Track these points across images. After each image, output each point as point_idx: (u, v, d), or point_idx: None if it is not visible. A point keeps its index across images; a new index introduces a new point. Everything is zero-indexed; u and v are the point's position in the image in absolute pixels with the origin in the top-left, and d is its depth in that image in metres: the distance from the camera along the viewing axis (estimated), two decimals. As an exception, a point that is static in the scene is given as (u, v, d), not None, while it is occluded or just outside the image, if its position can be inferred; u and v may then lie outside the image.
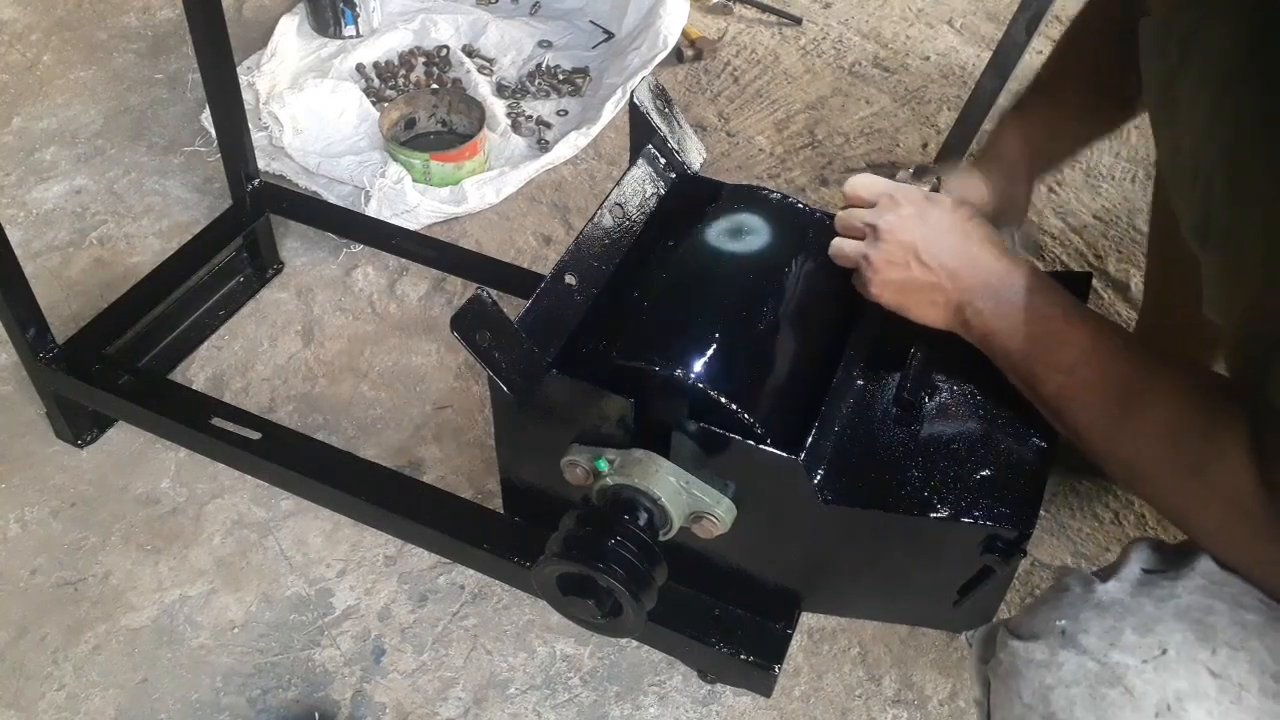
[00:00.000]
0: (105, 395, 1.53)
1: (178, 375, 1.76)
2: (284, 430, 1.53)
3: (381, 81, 2.33)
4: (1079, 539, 1.57)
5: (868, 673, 1.44)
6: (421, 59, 2.38)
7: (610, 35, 2.49)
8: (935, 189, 1.13)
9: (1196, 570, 0.86)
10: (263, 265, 1.92)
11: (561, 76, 2.37)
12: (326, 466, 1.45)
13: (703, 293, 1.15)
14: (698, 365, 1.06)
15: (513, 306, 1.08)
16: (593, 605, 1.10)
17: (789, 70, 2.45)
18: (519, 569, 1.31)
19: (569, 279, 1.16)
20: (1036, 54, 1.92)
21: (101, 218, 2.05)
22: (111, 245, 1.99)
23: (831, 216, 1.17)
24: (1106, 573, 0.90)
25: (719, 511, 1.07)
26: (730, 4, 2.61)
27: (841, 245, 1.11)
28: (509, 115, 2.25)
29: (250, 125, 1.83)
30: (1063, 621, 0.86)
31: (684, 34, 2.41)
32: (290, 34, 2.38)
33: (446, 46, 2.40)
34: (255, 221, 1.84)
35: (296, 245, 1.98)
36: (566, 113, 2.30)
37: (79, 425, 1.65)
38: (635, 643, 1.44)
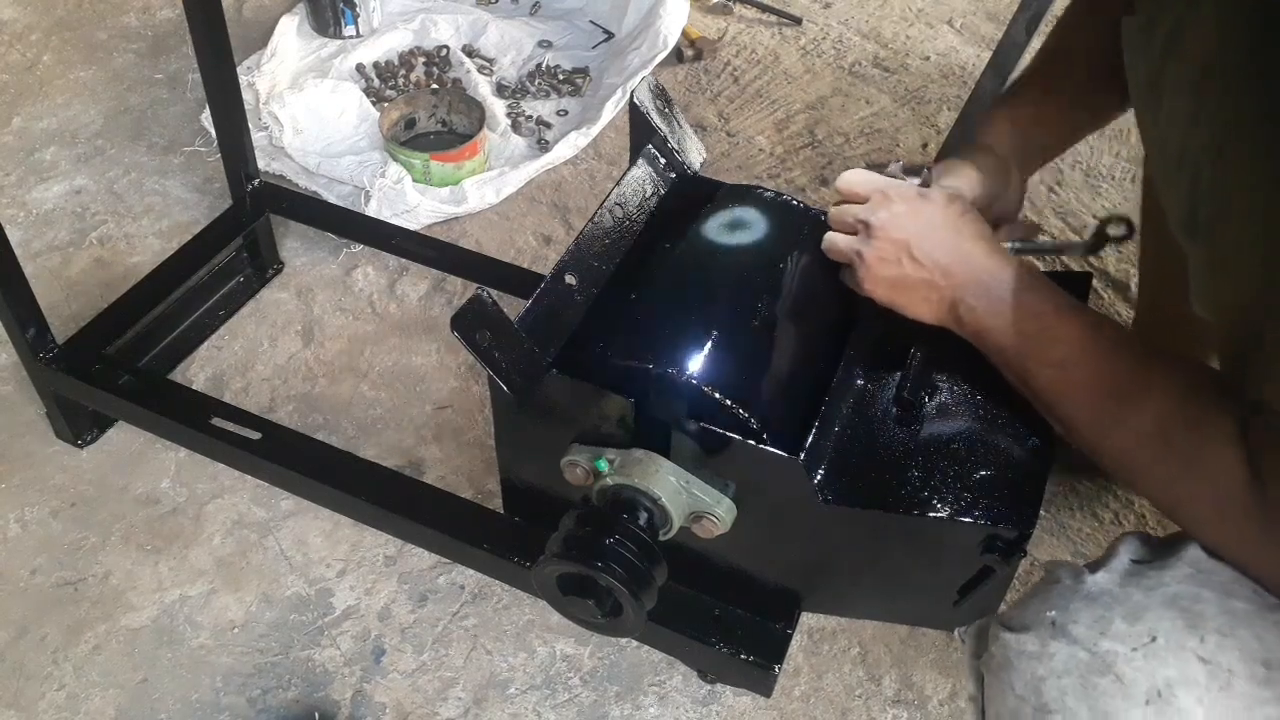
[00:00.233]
0: (105, 395, 1.53)
1: (177, 375, 1.76)
2: (284, 430, 1.53)
3: (381, 81, 2.33)
4: (1079, 539, 1.57)
5: (868, 673, 1.44)
6: (421, 59, 2.38)
7: (610, 35, 2.49)
8: (925, 182, 1.13)
9: (1184, 559, 0.87)
10: (263, 265, 1.92)
11: (561, 76, 2.37)
12: (327, 467, 1.45)
13: (702, 292, 1.15)
14: (697, 365, 1.06)
15: (512, 306, 1.08)
16: (593, 605, 1.10)
17: (789, 70, 2.45)
18: (519, 569, 1.31)
19: (569, 279, 1.16)
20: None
21: (101, 218, 2.05)
22: (111, 245, 1.99)
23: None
24: (1096, 565, 0.91)
25: (719, 511, 1.07)
26: (730, 4, 2.61)
27: (835, 240, 1.11)
28: (509, 115, 2.25)
29: (250, 125, 1.83)
30: (1053, 613, 0.87)
31: (684, 34, 2.41)
32: (290, 34, 2.38)
33: (446, 46, 2.40)
34: (255, 221, 1.84)
35: (296, 245, 1.98)
36: (566, 113, 2.30)
37: (79, 425, 1.64)
38: (635, 643, 1.44)
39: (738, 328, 1.11)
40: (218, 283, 1.86)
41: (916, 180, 1.13)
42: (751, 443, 1.03)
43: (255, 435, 1.48)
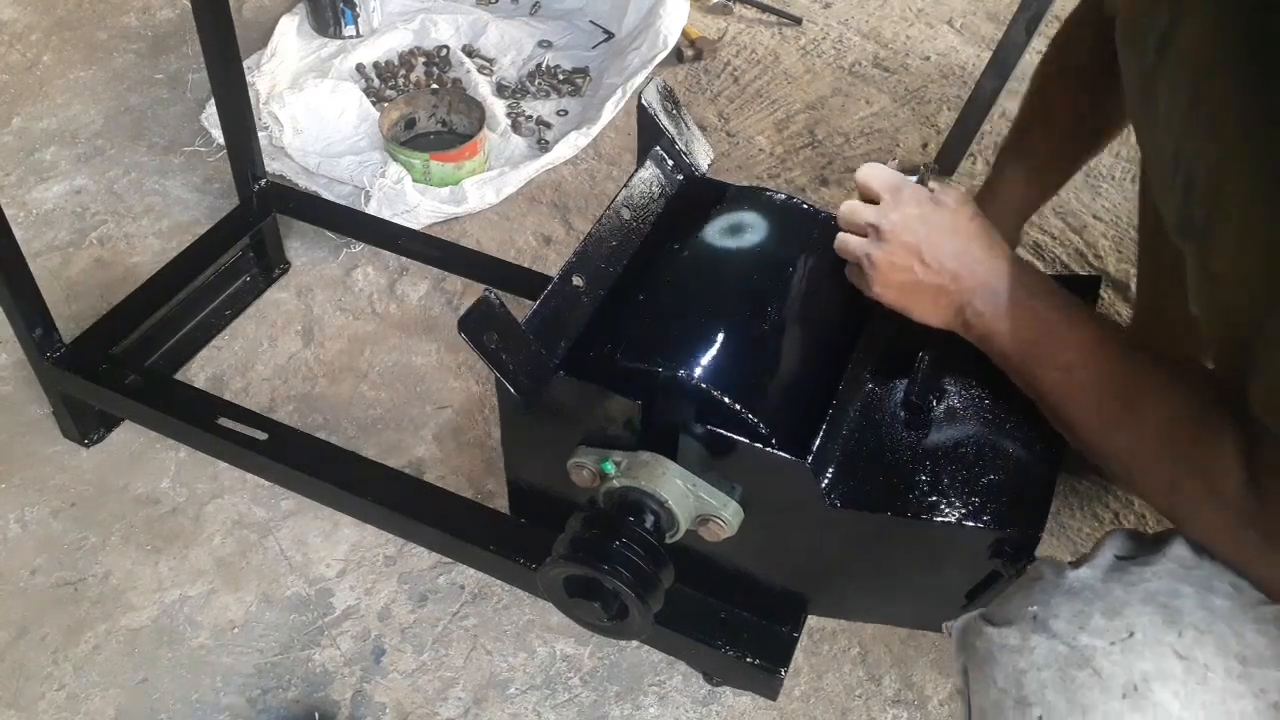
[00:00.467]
0: (112, 395, 1.53)
1: (181, 375, 1.76)
2: (291, 430, 1.52)
3: (381, 81, 2.32)
4: (1079, 539, 1.57)
5: (868, 673, 1.44)
6: (421, 59, 2.38)
7: (610, 35, 2.48)
8: (923, 181, 1.13)
9: (1167, 555, 0.88)
10: (269, 265, 1.92)
11: (561, 76, 2.37)
12: (334, 467, 1.45)
13: (710, 295, 1.15)
14: (705, 367, 1.05)
15: (515, 306, 1.07)
16: (599, 608, 1.09)
17: (789, 70, 2.46)
18: (525, 570, 1.31)
19: (576, 280, 1.16)
20: (1036, 54, 1.91)
21: (101, 218, 2.04)
22: (111, 245, 1.99)
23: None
24: (1081, 560, 0.92)
25: (726, 514, 1.07)
26: (730, 4, 2.61)
27: (846, 240, 1.11)
28: (509, 115, 2.25)
29: (251, 125, 1.83)
30: (1034, 607, 0.88)
31: (684, 34, 2.41)
32: (290, 34, 2.37)
33: (446, 46, 2.40)
34: (262, 221, 1.84)
35: (296, 245, 1.98)
36: (566, 113, 2.30)
37: (86, 425, 1.64)
38: (636, 643, 1.44)
39: (745, 331, 1.11)
40: (224, 283, 1.85)
41: (914, 179, 1.13)
42: (759, 446, 1.03)
43: (262, 435, 1.47)
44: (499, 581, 1.47)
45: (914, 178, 1.14)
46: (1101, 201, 2.12)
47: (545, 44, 2.45)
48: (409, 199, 1.96)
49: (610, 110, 2.21)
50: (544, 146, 2.18)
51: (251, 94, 2.15)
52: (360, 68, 2.34)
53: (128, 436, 1.67)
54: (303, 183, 2.07)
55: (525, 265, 1.90)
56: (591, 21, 2.53)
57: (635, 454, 1.08)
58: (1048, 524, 1.06)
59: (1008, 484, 1.06)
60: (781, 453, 1.02)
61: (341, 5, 2.35)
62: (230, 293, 1.87)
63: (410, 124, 2.19)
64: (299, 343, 1.83)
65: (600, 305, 1.18)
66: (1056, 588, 0.89)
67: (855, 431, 1.12)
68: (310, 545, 1.55)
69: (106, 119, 2.26)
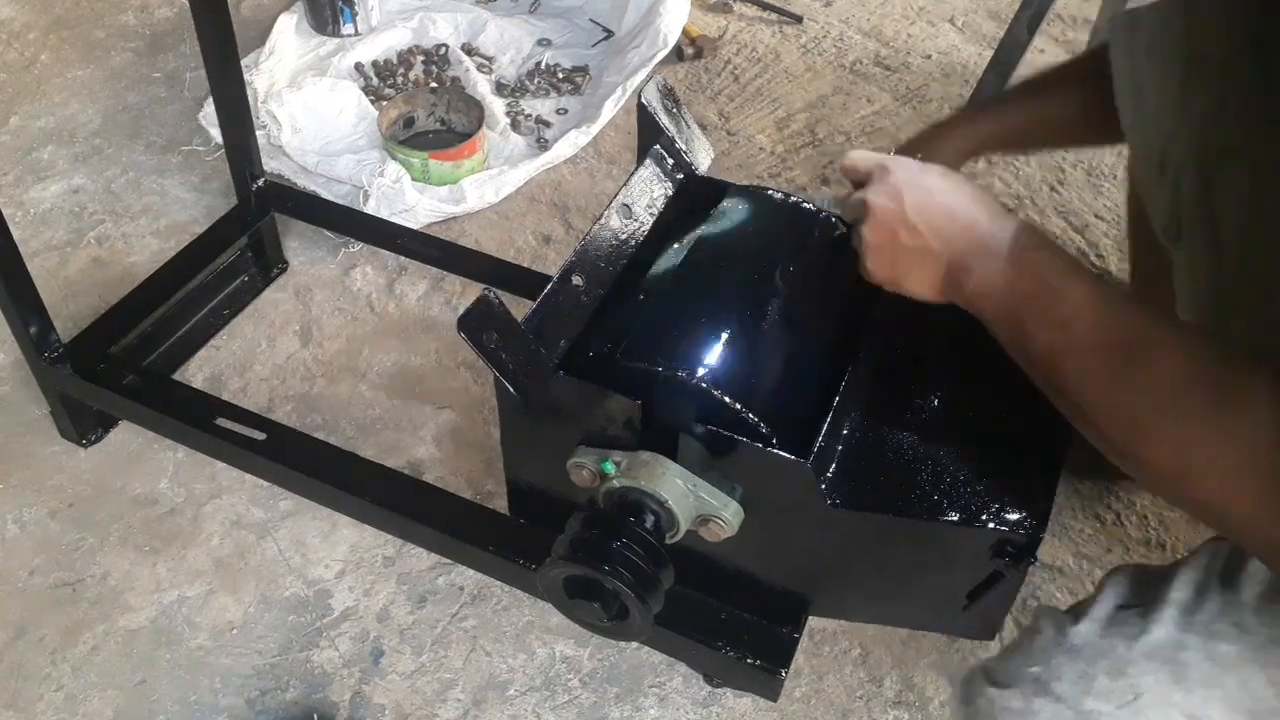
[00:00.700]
0: (110, 395, 1.52)
1: (178, 375, 1.75)
2: (289, 430, 1.52)
3: (380, 80, 2.32)
4: (1080, 540, 1.57)
5: (869, 674, 1.44)
6: (420, 57, 2.37)
7: (610, 33, 2.48)
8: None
9: (1170, 602, 0.85)
10: (267, 265, 1.91)
11: (561, 75, 2.37)
12: (333, 467, 1.45)
13: (710, 294, 1.14)
14: (705, 367, 1.05)
15: (515, 305, 1.07)
16: (599, 608, 1.09)
17: (790, 69, 2.45)
18: (525, 571, 1.30)
19: (576, 280, 1.16)
20: (1038, 52, 1.92)
21: (99, 217, 2.04)
22: (109, 245, 1.98)
23: (838, 216, 1.17)
24: (1081, 609, 0.90)
25: (726, 514, 1.07)
26: (731, 2, 2.60)
27: (855, 230, 1.08)
28: (508, 114, 2.24)
29: (249, 124, 1.82)
30: (1036, 668, 0.86)
31: (684, 32, 2.40)
32: (289, 32, 2.37)
33: (445, 45, 2.39)
34: (260, 221, 1.84)
35: (294, 245, 1.97)
36: (566, 111, 2.30)
37: (84, 425, 1.64)
38: (636, 644, 1.43)
39: (746, 330, 1.10)
40: (222, 282, 1.85)
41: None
42: (759, 446, 1.02)
43: (260, 436, 1.47)
44: (498, 582, 1.47)
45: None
46: (1103, 201, 2.11)
47: (545, 42, 2.45)
48: (408, 198, 1.96)
49: (610, 109, 2.20)
50: (543, 145, 2.18)
51: (250, 93, 2.14)
52: (359, 66, 2.33)
53: (126, 437, 1.66)
54: (301, 182, 2.06)
55: (524, 265, 1.89)
56: (591, 20, 2.52)
57: (635, 454, 1.08)
58: (1051, 526, 1.05)
59: (1010, 484, 1.05)
60: (782, 453, 1.02)
61: (340, 3, 2.35)
62: (228, 292, 1.86)
63: (409, 123, 2.19)
64: (297, 342, 1.82)
65: (600, 304, 1.17)
66: (1058, 646, 0.87)
67: (856, 431, 1.11)
68: (309, 546, 1.54)
69: (104, 118, 2.26)
